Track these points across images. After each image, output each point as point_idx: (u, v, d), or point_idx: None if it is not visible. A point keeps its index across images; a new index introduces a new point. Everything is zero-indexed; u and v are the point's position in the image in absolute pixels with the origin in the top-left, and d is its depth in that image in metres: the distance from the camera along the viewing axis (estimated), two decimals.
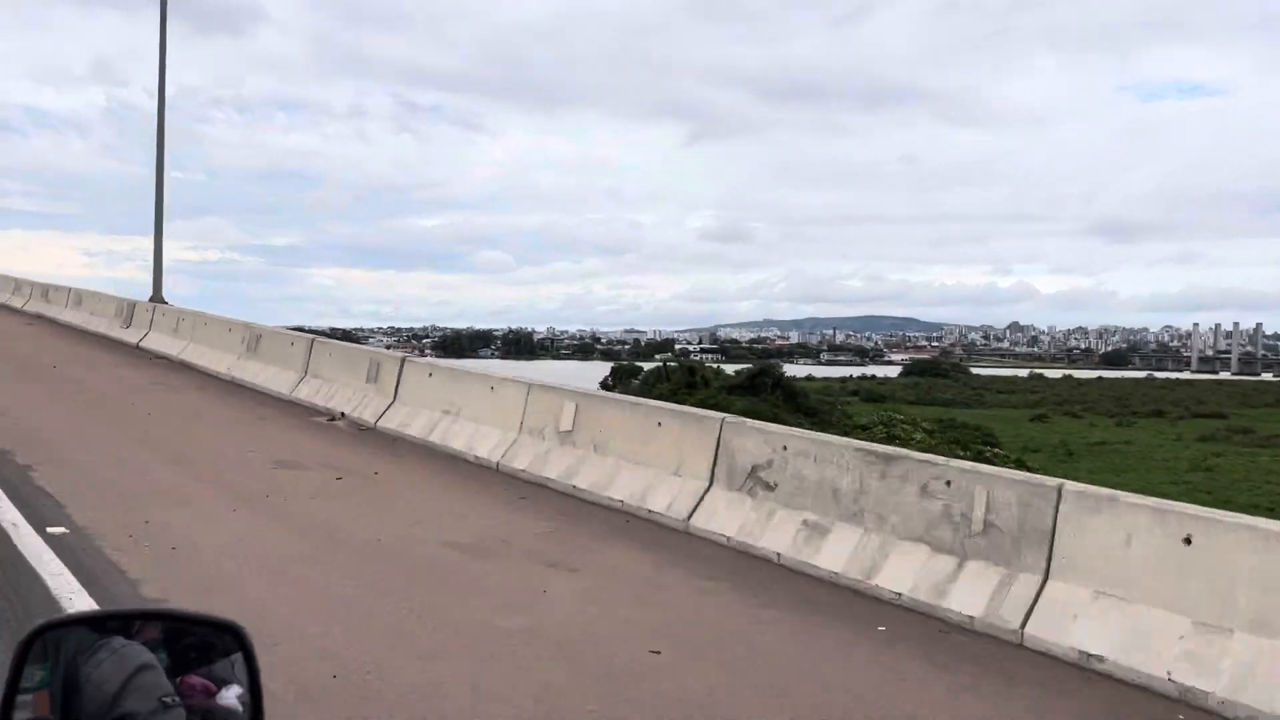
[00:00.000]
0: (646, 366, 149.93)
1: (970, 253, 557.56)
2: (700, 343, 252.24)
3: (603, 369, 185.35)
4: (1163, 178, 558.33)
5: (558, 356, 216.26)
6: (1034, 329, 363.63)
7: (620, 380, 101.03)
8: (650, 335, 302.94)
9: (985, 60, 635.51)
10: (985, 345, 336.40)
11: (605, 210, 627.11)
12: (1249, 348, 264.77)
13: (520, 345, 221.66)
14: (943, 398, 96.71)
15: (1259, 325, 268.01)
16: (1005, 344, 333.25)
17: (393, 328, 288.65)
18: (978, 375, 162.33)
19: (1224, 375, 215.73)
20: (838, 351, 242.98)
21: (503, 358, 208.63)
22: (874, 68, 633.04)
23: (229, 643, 1.69)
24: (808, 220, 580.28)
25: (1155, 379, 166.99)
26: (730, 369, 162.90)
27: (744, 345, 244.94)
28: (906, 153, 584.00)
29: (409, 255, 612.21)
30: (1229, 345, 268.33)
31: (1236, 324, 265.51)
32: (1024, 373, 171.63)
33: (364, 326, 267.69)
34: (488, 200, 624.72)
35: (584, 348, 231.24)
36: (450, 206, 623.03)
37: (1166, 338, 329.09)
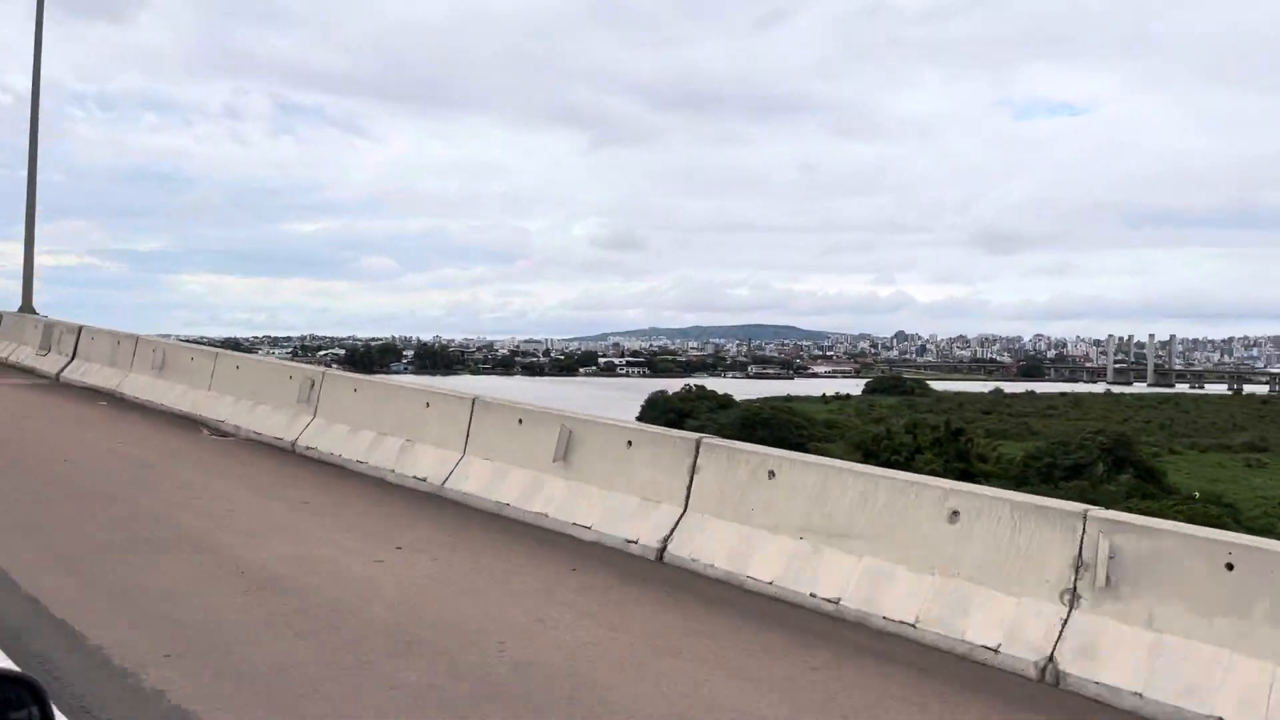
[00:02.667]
0: (669, 387, 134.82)
1: (855, 261, 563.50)
2: (620, 356, 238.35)
3: (540, 386, 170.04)
4: (1037, 191, 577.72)
5: (476, 371, 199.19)
6: (919, 337, 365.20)
7: (662, 415, 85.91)
8: (542, 343, 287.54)
9: (875, 73, 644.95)
10: (875, 353, 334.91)
11: (494, 216, 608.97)
12: (1120, 358, 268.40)
13: (435, 359, 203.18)
14: (998, 429, 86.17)
15: (1172, 336, 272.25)
16: (894, 353, 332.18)
17: (269, 336, 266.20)
18: (938, 390, 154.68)
19: (1139, 387, 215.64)
20: (765, 364, 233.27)
21: (416, 372, 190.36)
22: (768, 78, 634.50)
23: (24, 697, 1.67)
24: (698, 228, 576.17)
25: (1117, 394, 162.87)
26: (678, 387, 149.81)
27: (670, 358, 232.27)
28: (797, 162, 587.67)
29: (286, 261, 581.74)
30: (1103, 353, 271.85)
31: (1152, 335, 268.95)
32: (985, 387, 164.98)
33: (239, 335, 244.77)
34: (371, 205, 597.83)
35: (504, 361, 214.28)
36: (331, 211, 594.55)
37: (1043, 346, 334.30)
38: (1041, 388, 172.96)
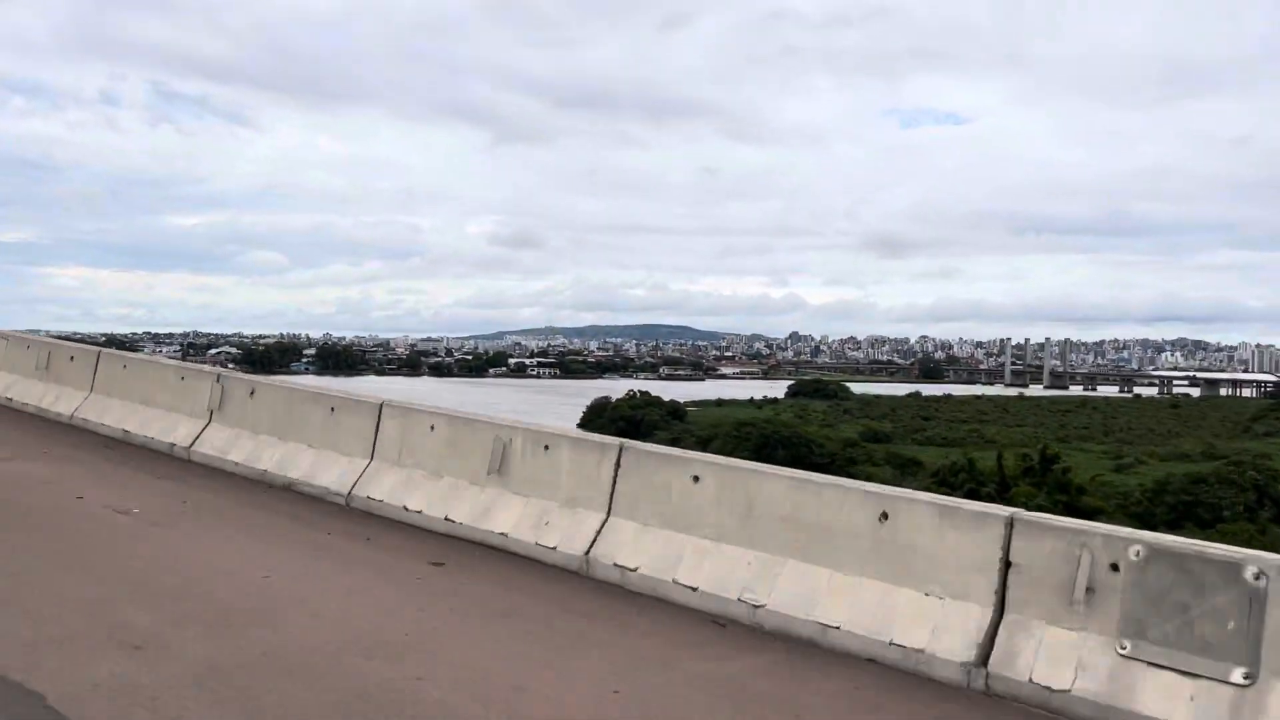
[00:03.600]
0: (582, 389, 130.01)
1: (749, 264, 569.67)
2: (530, 357, 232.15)
3: (463, 390, 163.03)
4: (923, 197, 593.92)
5: (381, 372, 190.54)
6: (812, 339, 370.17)
7: (611, 423, 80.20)
8: (440, 342, 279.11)
9: (770, 79, 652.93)
10: (770, 353, 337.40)
11: (385, 213, 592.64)
12: (1016, 362, 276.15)
13: (338, 360, 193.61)
14: (957, 438, 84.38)
15: (1066, 340, 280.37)
16: (789, 354, 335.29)
17: (150, 333, 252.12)
18: (859, 395, 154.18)
19: (1036, 389, 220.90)
20: (675, 365, 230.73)
21: (318, 374, 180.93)
22: (666, 81, 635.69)
23: None
24: (596, 228, 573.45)
25: (1033, 398, 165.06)
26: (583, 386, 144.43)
27: (579, 359, 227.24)
28: (693, 165, 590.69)
29: (166, 255, 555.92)
30: (989, 355, 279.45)
31: (1047, 339, 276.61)
32: (899, 390, 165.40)
33: (116, 332, 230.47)
34: (256, 198, 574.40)
35: (409, 362, 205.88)
36: (214, 204, 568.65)
37: (930, 347, 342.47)
38: (955, 390, 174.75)
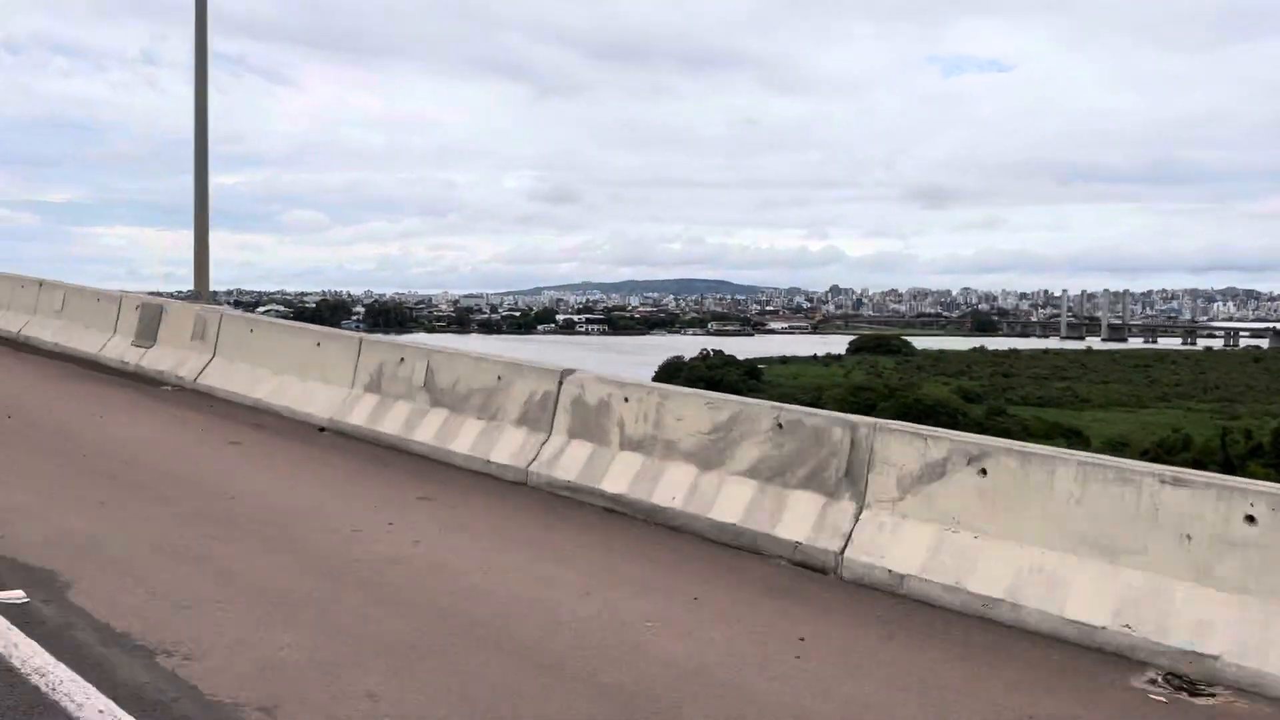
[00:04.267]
0: (663, 348, 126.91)
1: (787, 216, 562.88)
2: (577, 313, 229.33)
3: (527, 348, 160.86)
4: (966, 147, 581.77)
5: (431, 329, 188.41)
6: (853, 291, 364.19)
7: (690, 385, 77.74)
8: (480, 298, 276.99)
9: (808, 27, 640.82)
10: (812, 307, 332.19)
11: (422, 169, 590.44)
12: (1059, 312, 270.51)
13: (389, 316, 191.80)
14: (1051, 397, 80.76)
15: (1125, 292, 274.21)
16: (830, 307, 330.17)
17: (193, 290, 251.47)
18: (921, 350, 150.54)
19: (1094, 342, 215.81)
20: (724, 321, 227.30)
21: (369, 330, 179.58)
22: (701, 31, 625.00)
23: None
24: (632, 182, 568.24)
25: (1106, 351, 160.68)
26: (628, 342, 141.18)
27: (626, 314, 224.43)
28: (730, 117, 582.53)
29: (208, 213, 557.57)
30: (1033, 306, 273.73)
31: (1106, 289, 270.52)
32: (962, 344, 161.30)
33: (161, 290, 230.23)
34: (295, 156, 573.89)
35: (459, 319, 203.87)
36: (254, 162, 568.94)
37: (973, 299, 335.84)
38: (1014, 344, 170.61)
